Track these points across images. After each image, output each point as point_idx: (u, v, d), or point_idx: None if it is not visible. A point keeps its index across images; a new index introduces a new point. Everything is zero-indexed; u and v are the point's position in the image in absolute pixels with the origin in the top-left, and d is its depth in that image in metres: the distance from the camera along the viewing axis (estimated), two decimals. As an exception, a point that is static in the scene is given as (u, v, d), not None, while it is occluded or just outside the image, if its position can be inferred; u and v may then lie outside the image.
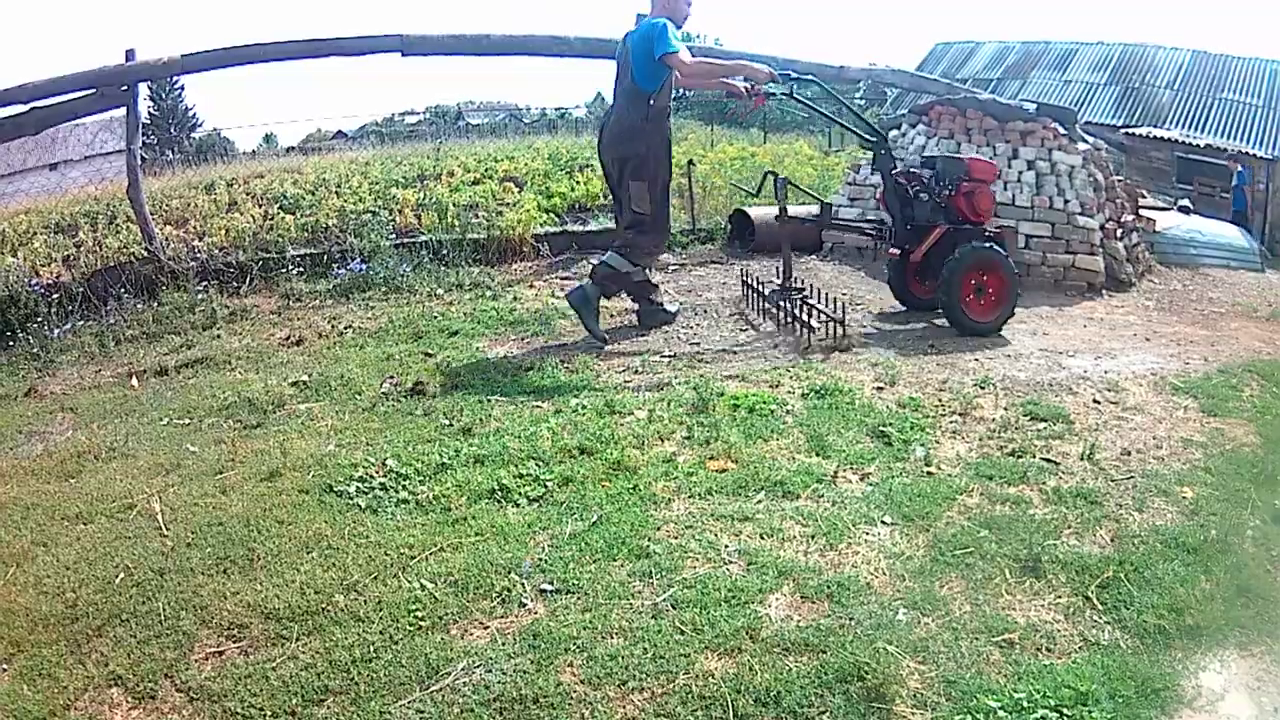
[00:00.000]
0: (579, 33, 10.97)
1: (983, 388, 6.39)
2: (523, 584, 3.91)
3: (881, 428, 5.56)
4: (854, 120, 8.41)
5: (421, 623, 3.69)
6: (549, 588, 3.90)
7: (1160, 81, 29.29)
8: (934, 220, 7.71)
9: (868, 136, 8.06)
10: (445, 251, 10.22)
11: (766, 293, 7.96)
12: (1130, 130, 27.93)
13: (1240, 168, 12.36)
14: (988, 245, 7.58)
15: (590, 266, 7.89)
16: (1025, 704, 3.14)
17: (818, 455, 5.23)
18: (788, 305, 7.59)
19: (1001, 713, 3.10)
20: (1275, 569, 4.25)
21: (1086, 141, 10.96)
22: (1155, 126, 27.68)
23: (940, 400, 6.15)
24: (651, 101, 7.16)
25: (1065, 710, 3.11)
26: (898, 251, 7.94)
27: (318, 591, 3.90)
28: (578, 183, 14.54)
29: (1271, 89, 28.15)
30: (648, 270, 7.86)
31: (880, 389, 6.35)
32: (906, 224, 7.81)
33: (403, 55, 10.12)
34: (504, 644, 3.54)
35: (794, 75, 7.65)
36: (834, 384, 6.28)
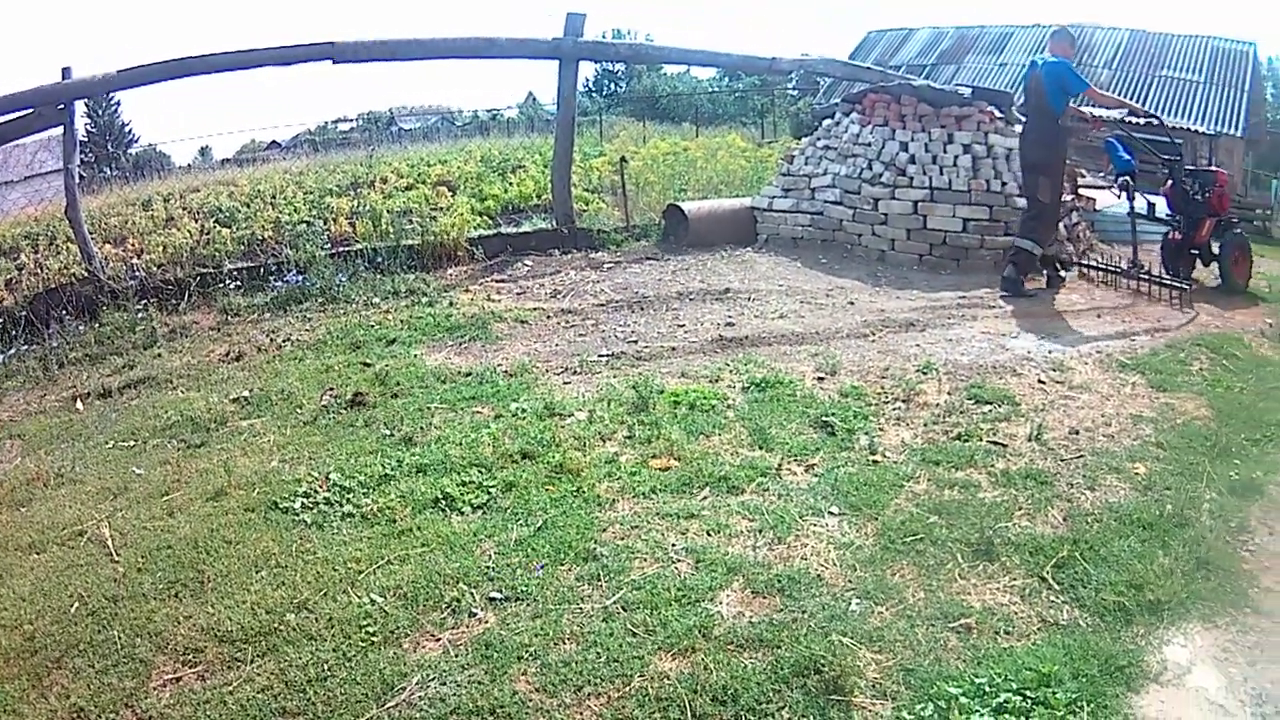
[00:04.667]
0: (509, 34, 10.91)
1: (925, 373, 6.42)
2: (472, 593, 3.88)
3: (824, 418, 5.58)
4: (1166, 145, 10.37)
5: (373, 638, 3.66)
6: (498, 596, 3.88)
7: (1098, 61, 29.63)
8: (1204, 214, 9.70)
9: (1167, 156, 10.19)
10: (380, 259, 10.12)
11: (1120, 269, 9.69)
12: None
13: (1109, 136, 12.84)
14: (1241, 231, 10.24)
15: (525, 268, 8.60)
16: (987, 688, 3.14)
17: (761, 449, 5.24)
18: (1148, 277, 9.31)
19: (963, 699, 3.10)
20: (1235, 541, 4.31)
21: (1023, 123, 11.05)
22: (1093, 106, 28.11)
23: (883, 388, 6.17)
24: (1059, 120, 9.21)
25: (1028, 692, 3.11)
26: (1179, 236, 9.78)
27: (269, 611, 3.85)
28: (510, 184, 14.75)
29: (1213, 65, 28.81)
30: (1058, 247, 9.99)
31: (821, 379, 6.36)
32: (1189, 217, 9.74)
33: (334, 63, 9.98)
34: (457, 655, 3.52)
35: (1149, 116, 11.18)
36: (774, 376, 6.30)
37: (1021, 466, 4.96)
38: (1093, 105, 10.44)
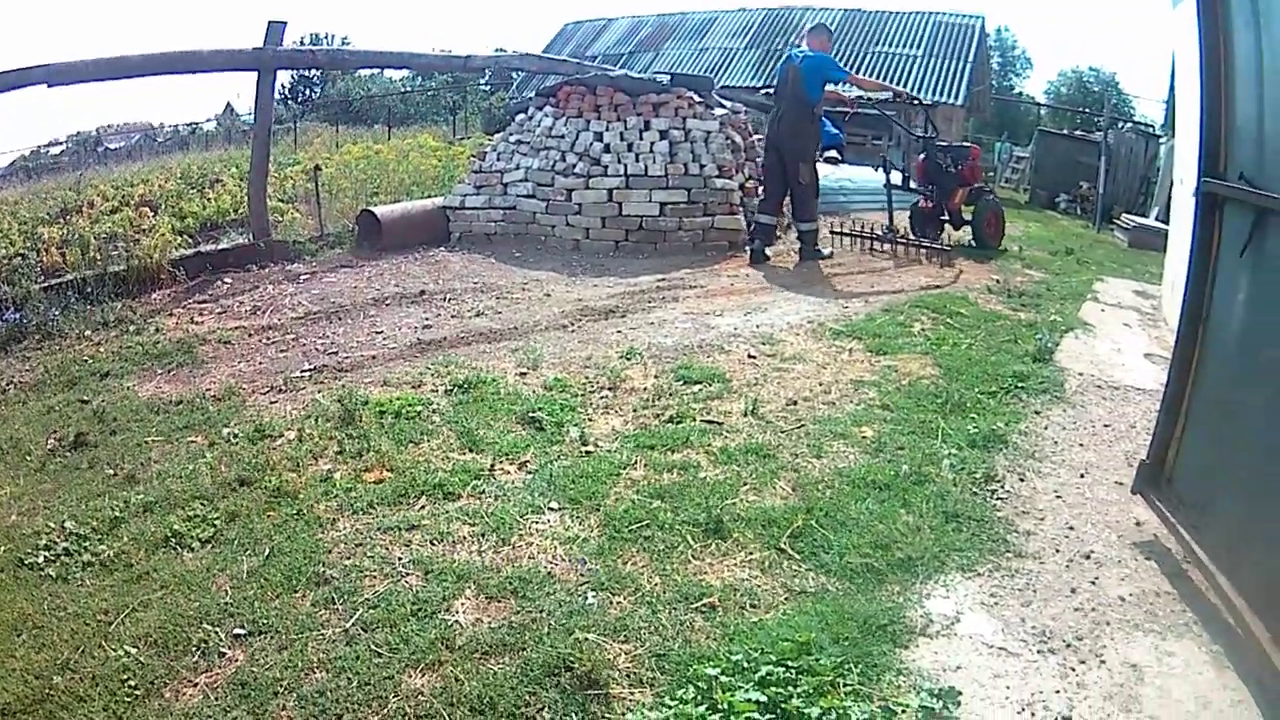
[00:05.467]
0: (212, 46, 10.56)
1: (629, 359, 6.41)
2: (217, 632, 3.67)
3: (531, 414, 5.47)
4: (924, 124, 12.03)
5: (136, 691, 3.42)
6: (241, 631, 3.67)
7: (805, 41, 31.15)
8: (955, 184, 11.24)
9: (921, 135, 11.84)
10: (90, 289, 9.48)
11: (879, 234, 10.93)
12: (770, 90, 29.33)
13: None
14: (994, 198, 12.02)
15: (226, 286, 9.25)
16: (745, 664, 3.06)
17: (471, 451, 5.10)
18: (906, 241, 10.73)
19: (723, 678, 3.00)
20: (983, 491, 4.43)
21: (724, 106, 11.36)
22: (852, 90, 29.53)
23: (587, 377, 6.13)
24: (814, 110, 10.21)
25: (790, 662, 3.04)
26: (931, 205, 11.32)
27: (37, 676, 3.56)
28: (209, 200, 14.43)
29: (934, 39, 30.98)
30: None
31: (523, 374, 6.26)
32: (941, 187, 11.27)
33: (49, 86, 9.32)
34: (217, 698, 3.34)
35: (912, 97, 12.32)
36: (476, 376, 6.16)
37: (740, 442, 4.97)
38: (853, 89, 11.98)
